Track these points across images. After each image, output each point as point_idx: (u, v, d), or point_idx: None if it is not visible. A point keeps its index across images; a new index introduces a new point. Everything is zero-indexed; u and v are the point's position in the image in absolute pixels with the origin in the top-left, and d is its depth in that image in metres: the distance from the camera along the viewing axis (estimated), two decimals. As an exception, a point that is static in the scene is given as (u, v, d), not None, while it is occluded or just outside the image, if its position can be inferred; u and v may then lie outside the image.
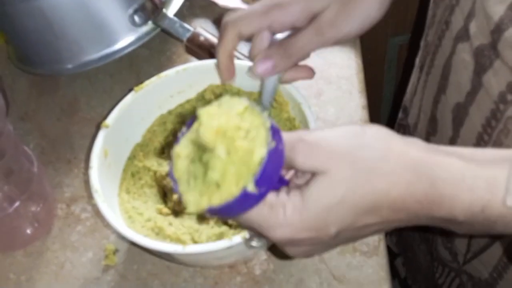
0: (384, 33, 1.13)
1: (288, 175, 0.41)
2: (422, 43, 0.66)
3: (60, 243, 0.63)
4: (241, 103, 0.37)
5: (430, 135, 0.63)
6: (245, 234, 0.48)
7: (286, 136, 0.37)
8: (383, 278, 0.57)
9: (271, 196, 0.37)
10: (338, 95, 0.72)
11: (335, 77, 0.74)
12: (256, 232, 0.39)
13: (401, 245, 0.84)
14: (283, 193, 0.37)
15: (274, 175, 0.36)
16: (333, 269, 0.57)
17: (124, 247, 0.61)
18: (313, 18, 0.49)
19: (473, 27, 0.49)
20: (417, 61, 0.69)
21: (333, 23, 0.48)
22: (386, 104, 1.28)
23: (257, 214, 0.37)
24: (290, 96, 0.60)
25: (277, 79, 0.59)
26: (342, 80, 0.73)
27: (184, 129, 0.39)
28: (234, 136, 0.35)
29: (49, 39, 0.71)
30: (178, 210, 0.58)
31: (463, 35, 0.51)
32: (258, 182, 0.35)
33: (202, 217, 0.57)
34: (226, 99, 0.38)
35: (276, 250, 0.59)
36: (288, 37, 0.50)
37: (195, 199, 0.37)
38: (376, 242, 0.59)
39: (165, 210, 0.57)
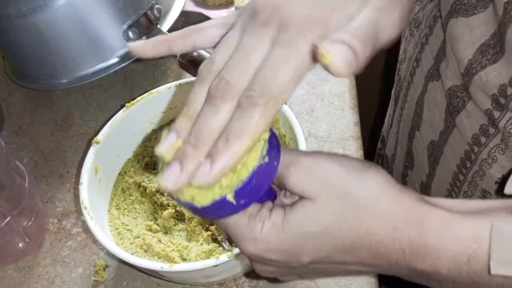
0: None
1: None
2: (395, 77, 0.66)
3: (51, 258, 0.63)
4: None
5: (407, 169, 0.63)
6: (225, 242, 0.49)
7: (284, 153, 0.36)
8: (372, 296, 0.56)
9: (253, 208, 0.36)
10: (330, 112, 0.72)
11: (327, 93, 0.74)
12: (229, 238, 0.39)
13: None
14: (265, 209, 0.37)
15: (258, 189, 0.35)
16: (323, 287, 0.57)
17: (114, 263, 0.61)
18: None
19: (443, 68, 0.49)
20: (392, 93, 0.69)
21: None
22: (374, 120, 1.28)
23: (234, 222, 0.36)
24: (280, 113, 0.60)
25: None
26: (335, 97, 0.74)
27: None
28: None
29: (44, 54, 0.72)
30: (167, 227, 0.58)
31: (434, 74, 0.51)
32: (238, 194, 0.34)
33: (191, 235, 0.57)
34: None
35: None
36: None
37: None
38: (366, 260, 0.59)
39: (155, 226, 0.58)
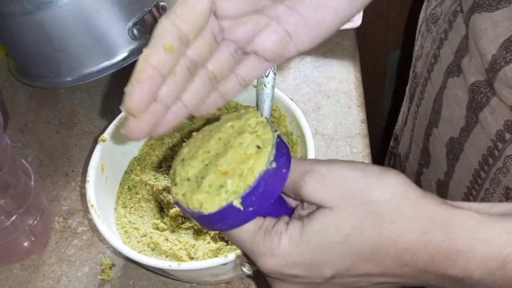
0: (384, 47, 1.13)
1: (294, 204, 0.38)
2: (410, 73, 0.66)
3: (57, 257, 0.63)
4: (257, 117, 0.36)
5: (423, 167, 0.62)
6: (239, 258, 0.48)
7: (298, 161, 0.35)
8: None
9: (268, 222, 0.35)
10: (336, 109, 0.72)
11: (333, 91, 0.74)
12: (246, 256, 0.37)
13: None
14: (282, 222, 0.35)
15: (267, 196, 0.34)
16: (330, 285, 0.57)
17: (121, 262, 0.61)
18: None
19: (466, 63, 0.48)
20: (407, 90, 0.68)
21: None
22: (387, 118, 1.28)
23: (249, 237, 0.35)
24: (288, 110, 0.60)
25: (272, 92, 0.59)
26: (341, 94, 0.73)
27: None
28: (242, 146, 0.34)
29: (48, 52, 0.71)
30: (174, 225, 0.58)
31: (454, 70, 0.50)
32: (245, 199, 0.33)
33: (198, 233, 0.56)
34: (245, 112, 0.37)
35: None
36: None
37: (180, 197, 0.35)
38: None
39: (162, 225, 0.57)
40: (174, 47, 0.33)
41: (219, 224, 0.35)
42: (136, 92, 0.33)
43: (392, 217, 0.33)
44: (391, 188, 0.34)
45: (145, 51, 0.33)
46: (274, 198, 0.35)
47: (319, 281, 0.35)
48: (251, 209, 0.34)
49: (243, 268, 0.39)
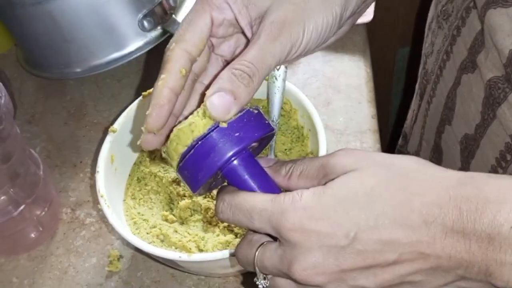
0: (392, 44, 1.12)
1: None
2: (420, 71, 0.65)
3: (64, 248, 0.62)
4: None
5: None
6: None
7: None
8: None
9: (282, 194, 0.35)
10: (347, 104, 0.71)
11: (344, 86, 0.73)
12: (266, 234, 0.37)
13: None
14: (299, 190, 0.35)
15: (252, 129, 0.36)
16: None
17: (129, 254, 0.61)
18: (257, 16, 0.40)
19: (482, 59, 0.48)
20: (417, 88, 0.68)
21: (285, 23, 0.38)
22: (395, 115, 1.27)
23: (268, 201, 0.35)
24: (299, 103, 0.59)
25: (283, 86, 0.59)
26: (351, 89, 0.73)
27: None
28: None
29: (58, 43, 0.71)
30: (183, 218, 0.57)
31: (468, 66, 0.50)
32: (231, 123, 0.36)
33: (208, 225, 0.56)
34: None
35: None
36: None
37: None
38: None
39: (171, 217, 0.57)
40: (187, 71, 0.38)
41: (212, 155, 0.36)
42: (158, 113, 0.37)
43: (418, 176, 0.34)
44: (411, 159, 0.35)
45: (162, 76, 0.38)
46: (258, 135, 0.37)
47: (343, 242, 0.33)
48: (237, 134, 0.36)
49: (258, 282, 0.37)
